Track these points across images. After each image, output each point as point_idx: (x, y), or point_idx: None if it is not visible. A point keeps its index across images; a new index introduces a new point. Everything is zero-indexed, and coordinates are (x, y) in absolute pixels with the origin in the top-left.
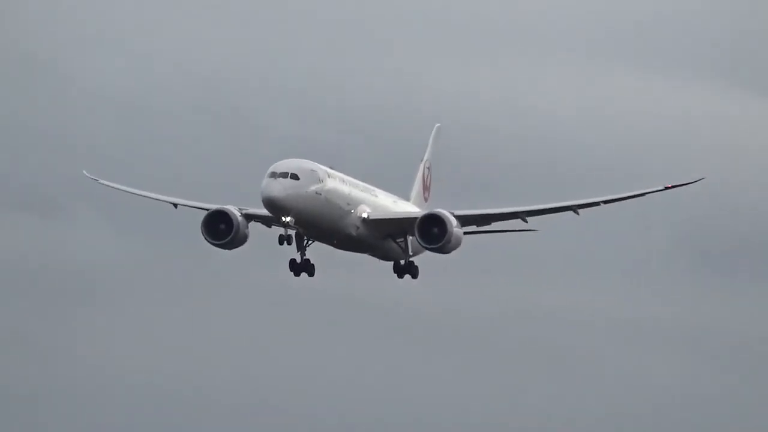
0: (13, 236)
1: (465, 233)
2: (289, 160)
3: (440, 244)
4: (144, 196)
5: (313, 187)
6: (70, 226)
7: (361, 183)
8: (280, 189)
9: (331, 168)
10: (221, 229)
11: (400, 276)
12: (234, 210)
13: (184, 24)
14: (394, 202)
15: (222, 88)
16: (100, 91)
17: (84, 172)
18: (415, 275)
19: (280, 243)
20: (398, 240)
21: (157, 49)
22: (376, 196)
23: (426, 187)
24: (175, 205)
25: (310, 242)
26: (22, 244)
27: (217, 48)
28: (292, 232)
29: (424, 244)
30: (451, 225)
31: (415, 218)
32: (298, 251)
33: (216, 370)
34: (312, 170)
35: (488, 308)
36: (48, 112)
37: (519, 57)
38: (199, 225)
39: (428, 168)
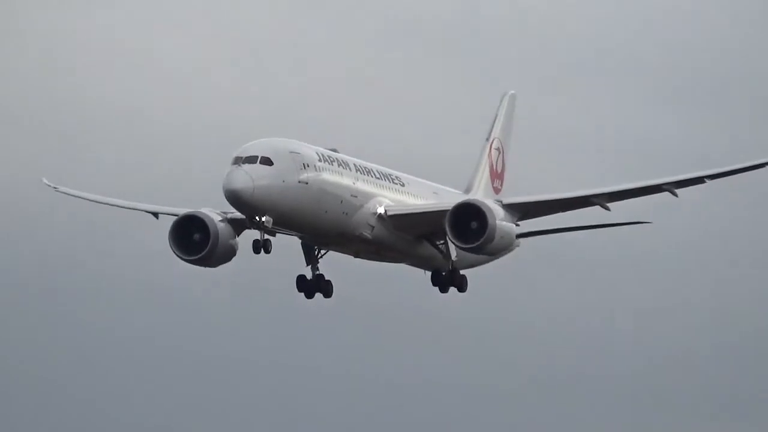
0: None
1: (546, 232)
2: (261, 140)
3: (479, 242)
4: (115, 206)
5: (297, 175)
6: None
7: (377, 167)
8: (245, 180)
9: (334, 150)
10: (196, 239)
11: (443, 289)
12: (211, 214)
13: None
14: (435, 193)
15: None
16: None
17: (43, 179)
18: (462, 287)
19: (255, 251)
20: (439, 243)
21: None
22: (403, 184)
23: (496, 174)
24: (156, 215)
25: (321, 252)
26: None
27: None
28: (270, 236)
29: (458, 243)
30: (493, 216)
31: (447, 210)
32: (307, 264)
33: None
34: (293, 152)
35: (565, 337)
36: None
37: None
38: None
39: (498, 149)
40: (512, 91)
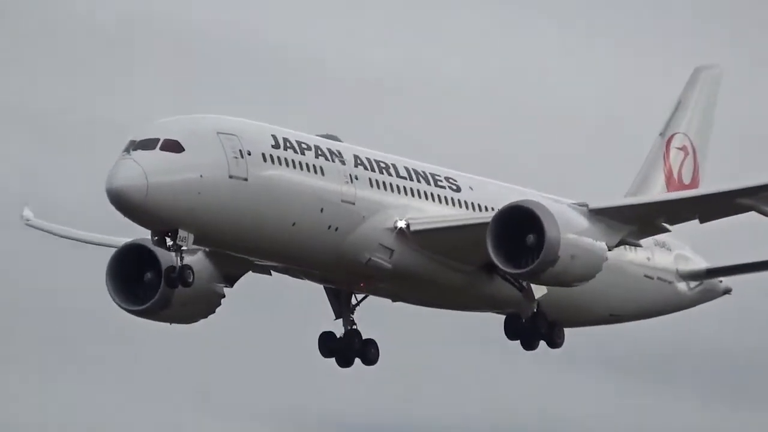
0: None
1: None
2: (174, 117)
3: (532, 266)
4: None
5: (227, 168)
6: None
7: (411, 163)
8: (134, 174)
9: (332, 137)
10: (148, 281)
11: (527, 345)
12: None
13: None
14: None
15: None
16: None
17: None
18: (553, 341)
19: (169, 283)
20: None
21: None
22: (459, 188)
23: (681, 186)
24: None
25: (357, 297)
26: None
27: None
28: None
29: (505, 267)
30: (555, 225)
31: None
32: (336, 317)
33: None
34: (222, 134)
35: None
36: None
37: None
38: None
39: (682, 149)
40: (716, 68)
